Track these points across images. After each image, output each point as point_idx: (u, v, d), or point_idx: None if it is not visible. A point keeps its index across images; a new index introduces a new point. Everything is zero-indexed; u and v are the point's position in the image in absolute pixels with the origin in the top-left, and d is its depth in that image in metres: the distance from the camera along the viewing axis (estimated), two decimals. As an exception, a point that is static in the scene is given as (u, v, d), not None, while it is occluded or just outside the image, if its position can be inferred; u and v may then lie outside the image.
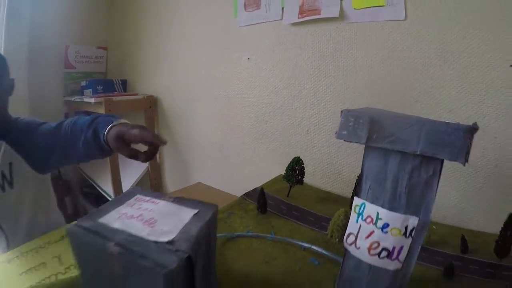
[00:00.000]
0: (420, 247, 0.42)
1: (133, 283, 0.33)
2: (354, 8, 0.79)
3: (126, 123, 0.64)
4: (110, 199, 1.32)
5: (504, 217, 0.54)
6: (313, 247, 0.60)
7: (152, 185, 1.54)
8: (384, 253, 0.43)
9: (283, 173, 0.81)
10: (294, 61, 0.94)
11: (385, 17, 0.76)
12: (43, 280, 0.52)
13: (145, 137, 0.59)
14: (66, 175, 1.71)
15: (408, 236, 0.42)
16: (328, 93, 0.89)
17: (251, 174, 1.13)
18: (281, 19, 0.91)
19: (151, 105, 1.49)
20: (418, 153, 0.39)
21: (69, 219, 0.72)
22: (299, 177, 0.78)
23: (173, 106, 1.45)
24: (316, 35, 0.87)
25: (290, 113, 0.98)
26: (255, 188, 0.85)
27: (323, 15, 0.82)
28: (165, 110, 1.49)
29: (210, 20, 1.16)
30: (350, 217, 0.47)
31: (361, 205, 0.45)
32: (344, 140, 0.44)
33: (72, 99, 1.50)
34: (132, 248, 0.33)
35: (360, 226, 0.45)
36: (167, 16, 1.38)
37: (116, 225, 0.37)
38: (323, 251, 0.59)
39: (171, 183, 1.56)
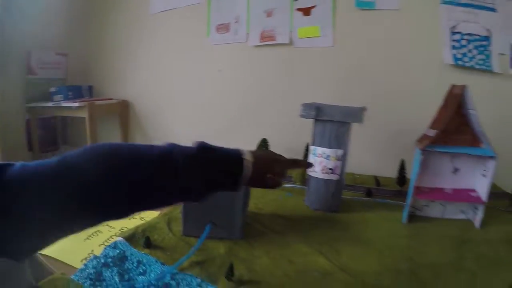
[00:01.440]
0: (345, 165, 0.91)
1: None
2: (299, 37, 1.27)
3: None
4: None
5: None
6: (288, 185, 1.07)
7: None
8: (329, 171, 0.91)
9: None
10: (256, 73, 1.37)
11: (319, 44, 1.26)
12: (105, 242, 0.70)
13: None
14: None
15: (339, 160, 0.90)
16: (282, 97, 1.35)
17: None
18: (246, 42, 1.32)
19: (125, 109, 1.66)
20: (338, 120, 0.88)
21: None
22: None
23: (146, 111, 1.64)
24: (272, 55, 1.32)
25: (254, 114, 1.39)
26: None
27: (277, 41, 1.28)
28: (137, 115, 1.67)
29: (183, 34, 1.47)
30: (309, 157, 0.93)
31: (314, 149, 0.92)
32: (304, 117, 0.89)
33: (47, 104, 1.57)
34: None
35: (315, 160, 0.92)
36: (136, 26, 1.57)
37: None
38: (294, 185, 1.06)
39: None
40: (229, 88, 1.42)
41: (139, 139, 1.69)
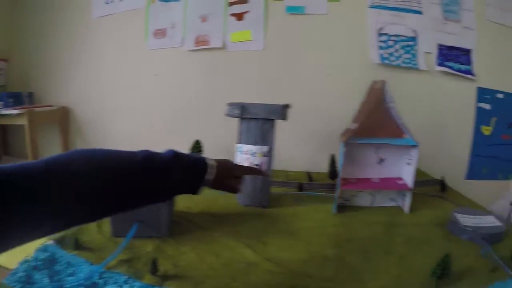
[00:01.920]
0: (272, 161, 0.91)
1: None
2: (232, 42, 1.29)
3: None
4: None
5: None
6: None
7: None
8: (256, 167, 0.91)
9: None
10: (191, 77, 1.38)
11: (251, 48, 1.29)
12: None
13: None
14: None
15: (265, 156, 0.90)
16: (216, 99, 1.34)
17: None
18: (182, 46, 1.33)
19: (65, 116, 1.61)
20: (263, 117, 0.88)
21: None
22: (200, 153, 1.21)
23: (87, 117, 1.60)
24: (206, 59, 1.33)
25: (189, 114, 1.39)
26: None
27: (211, 45, 1.29)
28: (77, 121, 1.63)
29: (123, 39, 1.45)
30: (236, 154, 0.93)
31: (241, 146, 0.91)
32: (230, 116, 0.89)
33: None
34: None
35: (242, 157, 0.91)
36: (78, 31, 1.53)
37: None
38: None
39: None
40: (165, 92, 1.42)
41: (79, 146, 1.63)
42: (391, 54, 1.32)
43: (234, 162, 0.64)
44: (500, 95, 1.45)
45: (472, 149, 1.45)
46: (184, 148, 1.41)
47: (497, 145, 1.47)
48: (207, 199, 0.96)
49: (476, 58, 1.42)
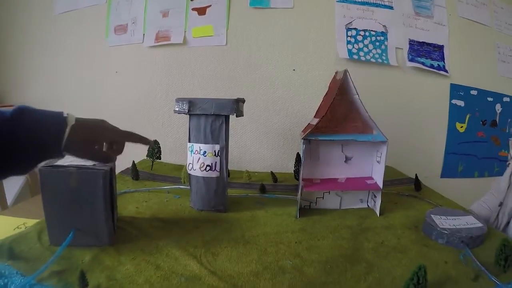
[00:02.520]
0: (226, 161, 0.84)
1: (84, 186, 0.61)
2: (193, 37, 1.23)
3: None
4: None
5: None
6: (173, 186, 0.97)
7: (33, 193, 1.56)
8: (208, 168, 0.84)
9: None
10: (152, 73, 1.31)
11: (213, 43, 1.23)
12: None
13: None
14: None
15: (217, 156, 0.83)
16: (176, 94, 1.27)
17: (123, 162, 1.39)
18: (142, 42, 1.26)
19: None
20: (212, 113, 0.81)
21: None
22: (158, 154, 1.13)
23: None
24: (167, 55, 1.27)
25: (150, 112, 1.32)
26: (128, 167, 1.13)
27: (172, 41, 1.22)
28: None
29: (85, 36, 1.37)
30: (188, 155, 0.85)
31: (191, 145, 0.84)
32: (178, 113, 0.82)
33: None
34: (82, 167, 0.61)
35: (193, 157, 0.84)
36: (40, 28, 1.46)
37: (67, 163, 0.63)
38: (182, 187, 0.97)
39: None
40: (125, 89, 1.34)
41: None
42: (360, 49, 1.27)
43: (105, 123, 0.54)
44: (473, 92, 1.42)
45: (447, 146, 1.41)
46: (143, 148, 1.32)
47: (473, 143, 1.43)
48: (161, 203, 0.90)
49: (449, 55, 1.39)
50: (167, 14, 1.23)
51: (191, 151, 0.85)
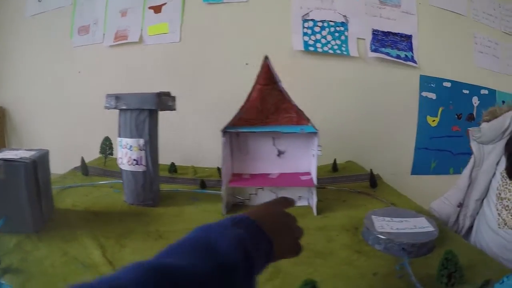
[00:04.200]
0: (154, 155, 0.86)
1: (10, 177, 0.66)
2: (149, 35, 1.26)
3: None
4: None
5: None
6: (113, 181, 1.01)
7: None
8: (134, 162, 0.86)
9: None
10: (111, 72, 1.35)
11: (168, 40, 1.26)
12: None
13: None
14: None
15: (142, 149, 0.85)
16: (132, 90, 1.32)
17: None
18: (102, 42, 1.31)
19: (1, 116, 1.57)
20: (136, 108, 0.84)
21: None
22: (110, 150, 1.17)
23: (21, 117, 1.58)
24: (124, 54, 1.31)
25: (110, 111, 1.34)
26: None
27: (129, 40, 1.27)
28: (13, 121, 1.60)
29: (52, 38, 1.44)
30: (118, 149, 0.88)
31: (120, 140, 0.87)
32: (107, 108, 0.86)
33: None
34: (8, 159, 0.66)
35: (122, 152, 0.87)
36: (12, 30, 1.52)
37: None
38: (117, 181, 1.00)
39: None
40: (87, 89, 1.39)
41: (15, 147, 1.62)
42: (317, 41, 1.24)
43: (274, 204, 0.47)
44: (447, 84, 1.35)
45: (417, 141, 1.34)
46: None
47: (447, 137, 1.36)
48: (99, 197, 0.93)
49: (418, 45, 1.33)
50: (125, 14, 1.28)
51: (120, 145, 0.88)
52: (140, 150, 0.86)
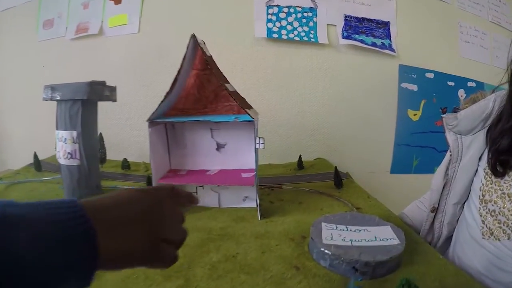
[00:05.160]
0: (89, 148, 0.84)
1: None
2: (109, 27, 1.25)
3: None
4: None
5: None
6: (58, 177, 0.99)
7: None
8: (69, 155, 0.84)
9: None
10: (73, 65, 1.34)
11: (126, 32, 1.24)
12: None
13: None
14: None
15: (75, 142, 0.83)
16: None
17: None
18: (65, 36, 1.31)
19: None
20: (69, 98, 0.82)
21: None
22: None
23: None
24: (86, 46, 1.31)
25: None
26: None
27: (89, 32, 1.26)
28: None
29: (20, 33, 1.43)
30: (56, 143, 0.87)
31: (58, 133, 0.86)
32: (45, 100, 0.84)
33: None
34: None
35: (59, 145, 0.85)
36: None
37: None
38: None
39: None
40: (52, 83, 1.39)
41: None
42: (282, 27, 1.18)
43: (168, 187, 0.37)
44: (429, 75, 1.25)
45: (396, 137, 1.25)
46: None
47: (430, 133, 1.26)
48: (43, 193, 0.93)
49: (397, 32, 1.24)
50: (87, 6, 1.27)
51: (57, 138, 0.86)
52: (74, 143, 0.84)
